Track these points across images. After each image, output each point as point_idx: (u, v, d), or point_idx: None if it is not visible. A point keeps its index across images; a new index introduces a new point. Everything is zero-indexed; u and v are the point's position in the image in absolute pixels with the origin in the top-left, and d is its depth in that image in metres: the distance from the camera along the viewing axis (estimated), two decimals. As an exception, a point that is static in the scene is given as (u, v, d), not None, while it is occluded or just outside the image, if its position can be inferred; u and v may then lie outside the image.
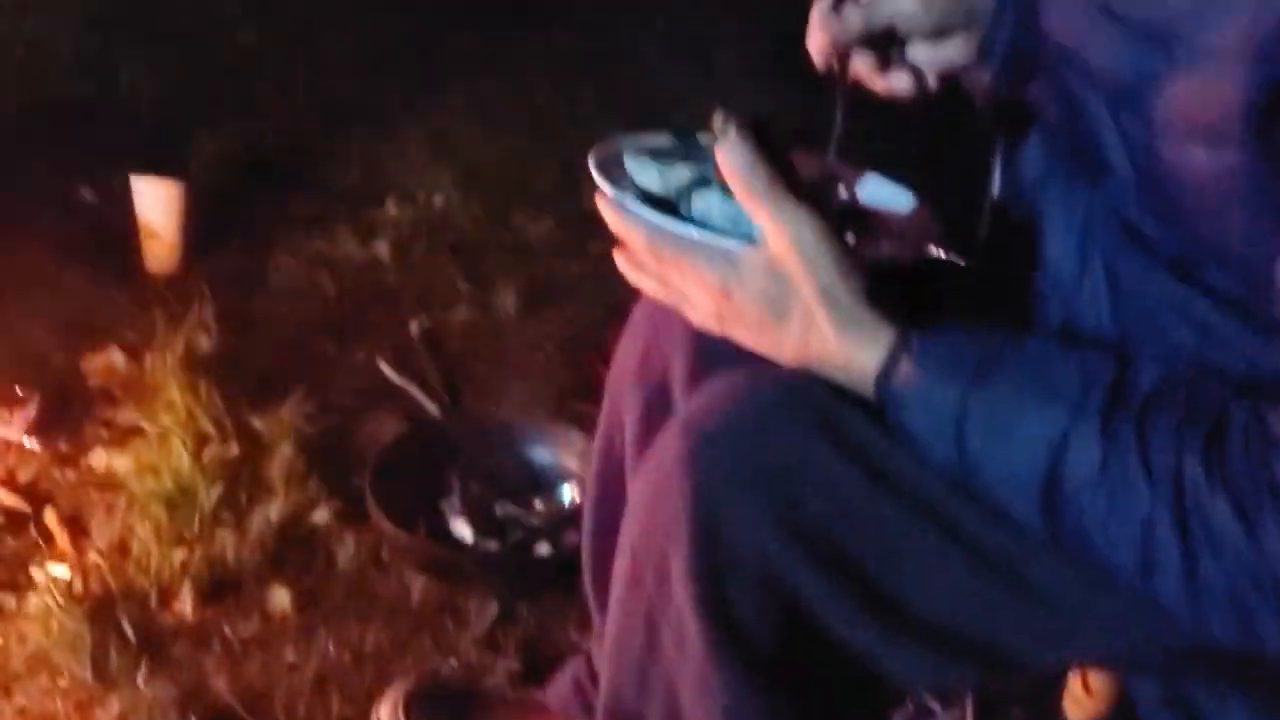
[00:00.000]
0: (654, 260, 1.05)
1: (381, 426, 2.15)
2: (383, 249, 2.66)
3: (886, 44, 1.20)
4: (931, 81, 1.21)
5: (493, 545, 1.86)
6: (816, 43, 1.18)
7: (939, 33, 1.19)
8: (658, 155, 1.14)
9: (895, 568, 0.94)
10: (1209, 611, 0.87)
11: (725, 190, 1.07)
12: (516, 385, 2.31)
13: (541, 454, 2.03)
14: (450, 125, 3.14)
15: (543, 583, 1.84)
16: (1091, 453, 0.88)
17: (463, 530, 1.87)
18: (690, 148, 1.16)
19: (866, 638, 0.98)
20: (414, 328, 2.36)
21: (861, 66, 1.19)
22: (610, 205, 1.06)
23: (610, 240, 1.11)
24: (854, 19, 1.16)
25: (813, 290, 0.97)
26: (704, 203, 1.09)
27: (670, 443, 1.00)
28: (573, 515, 1.91)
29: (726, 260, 1.01)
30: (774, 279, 0.98)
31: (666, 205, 1.11)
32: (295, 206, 2.76)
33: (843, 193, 1.22)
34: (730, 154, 0.99)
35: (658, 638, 1.02)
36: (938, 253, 1.15)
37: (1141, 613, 0.93)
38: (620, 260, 1.10)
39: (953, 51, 1.20)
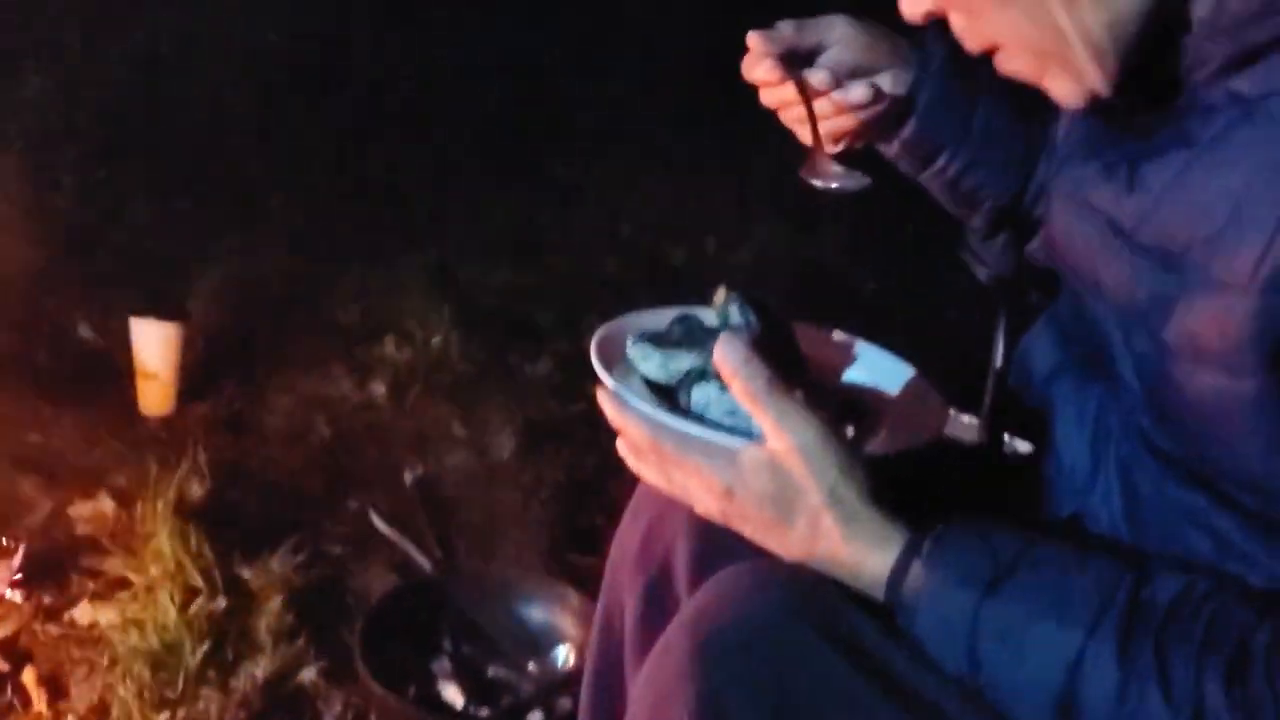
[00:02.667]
0: (655, 455, 1.02)
1: (373, 579, 2.11)
2: (379, 389, 2.64)
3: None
4: (887, 89, 1.20)
5: (483, 712, 1.81)
6: (758, 68, 1.19)
7: (868, 68, 1.20)
8: (659, 342, 1.12)
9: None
10: None
11: (724, 382, 1.05)
12: (512, 535, 2.28)
13: (536, 613, 1.99)
14: (449, 261, 3.15)
15: (534, 752, 1.78)
16: (1109, 675, 0.85)
17: (453, 695, 1.82)
18: (692, 330, 1.15)
19: None
20: (408, 477, 2.33)
21: (815, 81, 1.19)
22: (610, 398, 1.04)
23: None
24: (785, 30, 1.18)
25: (818, 492, 0.95)
26: (703, 394, 1.07)
27: (676, 641, 0.97)
28: (566, 680, 1.86)
29: (728, 459, 0.99)
30: (777, 479, 0.96)
31: (667, 393, 1.10)
32: (292, 344, 2.75)
33: (841, 368, 1.20)
34: (727, 354, 0.97)
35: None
36: (940, 433, 1.12)
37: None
38: (623, 449, 1.08)
39: (883, 82, 1.20)
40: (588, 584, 2.03)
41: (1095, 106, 1.01)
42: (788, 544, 0.98)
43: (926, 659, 0.94)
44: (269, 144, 3.56)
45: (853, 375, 1.19)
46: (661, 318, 1.19)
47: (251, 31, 3.99)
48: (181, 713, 1.77)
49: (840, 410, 1.08)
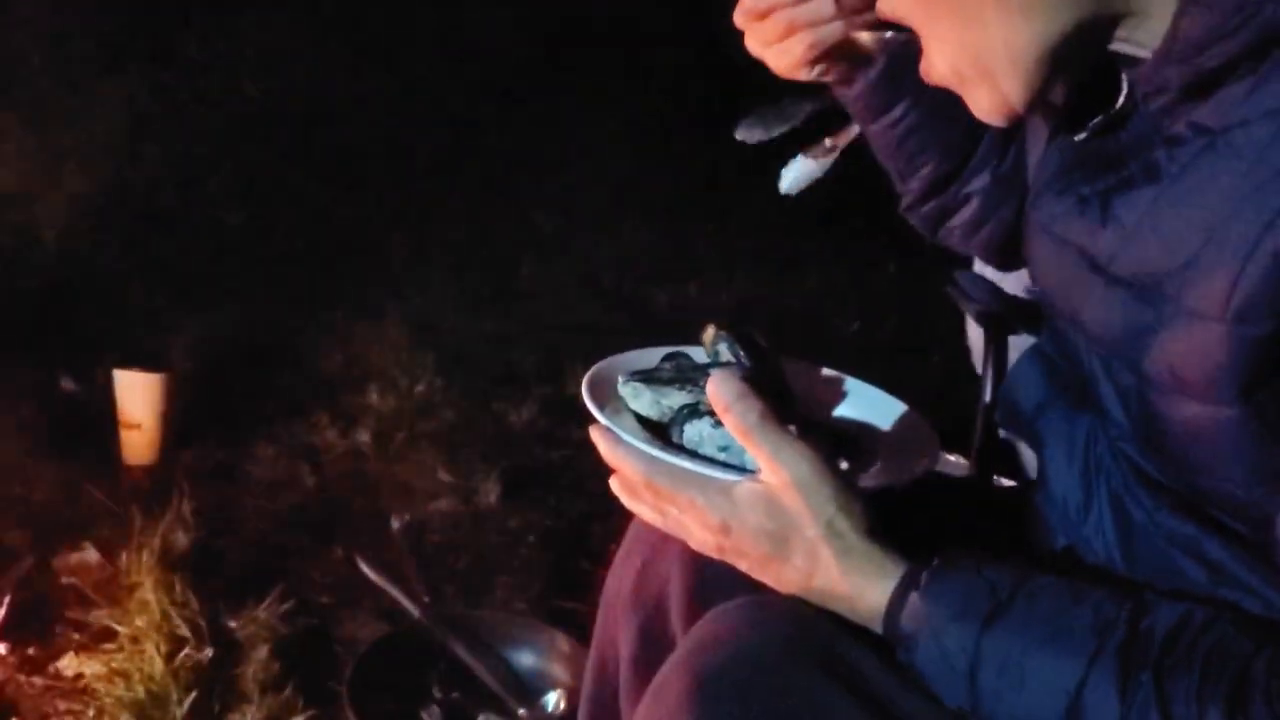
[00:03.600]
0: (650, 492, 1.03)
1: (360, 627, 2.10)
2: (364, 438, 2.63)
3: None
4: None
5: (475, 759, 1.80)
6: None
7: None
8: (650, 380, 1.13)
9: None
10: None
11: (716, 418, 1.06)
12: (499, 580, 2.28)
13: (526, 658, 1.98)
14: (432, 310, 3.16)
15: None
16: (1110, 706, 0.85)
17: (444, 742, 1.81)
18: (683, 368, 1.15)
19: None
20: (394, 524, 2.32)
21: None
22: (603, 435, 1.04)
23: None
24: None
25: (814, 526, 0.95)
26: (696, 430, 1.07)
27: (673, 678, 0.96)
28: (557, 726, 1.86)
29: (723, 494, 0.99)
30: (773, 513, 0.96)
31: (659, 430, 1.10)
32: (277, 393, 2.75)
33: (832, 405, 1.21)
34: (720, 389, 0.98)
35: None
36: (934, 466, 1.13)
37: None
38: (616, 486, 1.07)
39: None
40: (575, 629, 2.03)
41: (1062, 141, 1.03)
42: (784, 578, 0.98)
43: (926, 692, 0.94)
44: (248, 195, 3.57)
45: (844, 411, 1.20)
46: (651, 356, 1.20)
47: (230, 84, 4.02)
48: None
49: (833, 445, 1.09)
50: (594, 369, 1.17)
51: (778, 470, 0.95)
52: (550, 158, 4.02)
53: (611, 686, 1.26)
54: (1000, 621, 0.90)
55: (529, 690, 1.93)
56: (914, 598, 0.93)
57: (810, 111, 1.48)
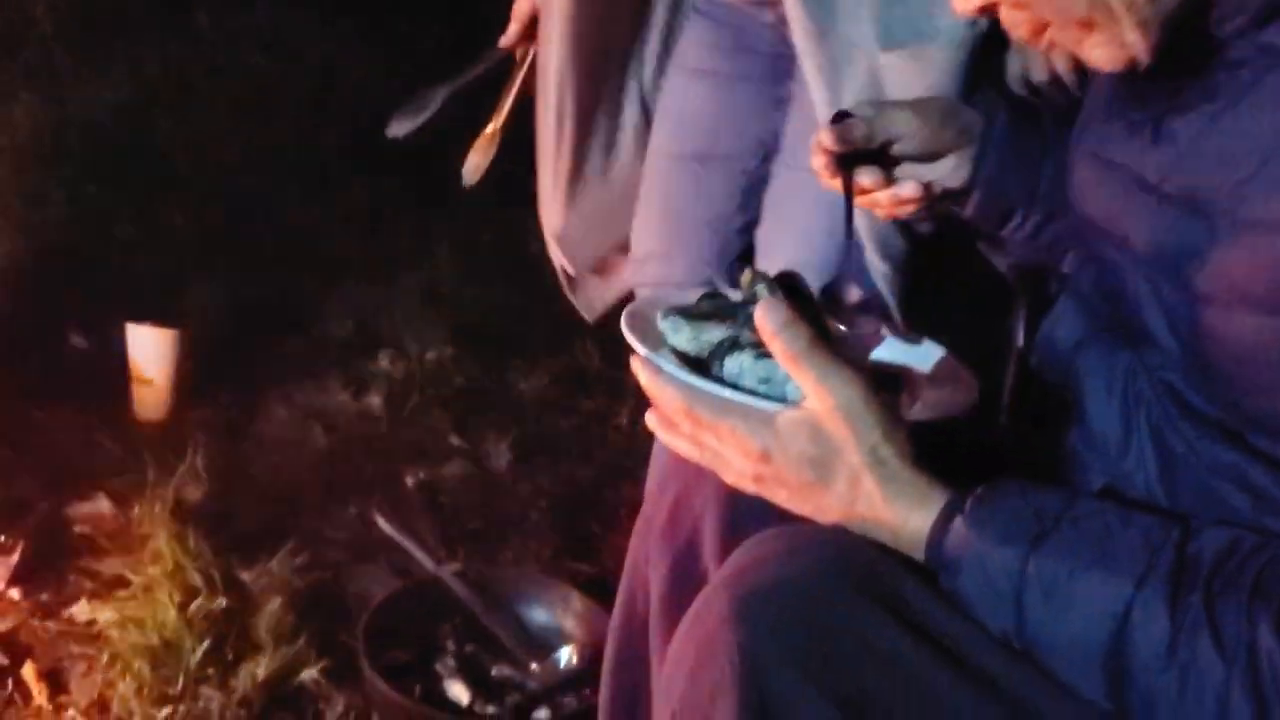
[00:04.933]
0: (689, 422, 1.03)
1: (372, 582, 2.10)
2: (375, 402, 2.64)
3: (883, 161, 1.24)
4: (936, 190, 1.24)
5: (489, 710, 1.80)
6: (820, 157, 1.21)
7: (932, 154, 1.23)
8: (689, 316, 1.13)
9: (952, 741, 0.91)
10: None
11: (756, 351, 1.06)
12: (511, 542, 2.28)
13: (538, 614, 1.98)
14: (443, 279, 3.15)
15: (541, 750, 1.78)
16: (1159, 627, 0.86)
17: (459, 693, 1.81)
18: (721, 307, 1.16)
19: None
20: (409, 481, 2.33)
21: (867, 179, 1.22)
22: (644, 365, 1.04)
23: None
24: (857, 129, 1.20)
25: (859, 453, 0.95)
26: (736, 363, 1.07)
27: (714, 601, 0.96)
28: (571, 680, 1.86)
29: (765, 423, 0.99)
30: (816, 441, 0.97)
31: (698, 365, 1.10)
32: (288, 356, 2.75)
33: (871, 348, 1.21)
34: (769, 315, 0.98)
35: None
36: (974, 405, 1.13)
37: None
38: (652, 420, 1.08)
39: (944, 170, 1.24)
40: (587, 589, 2.04)
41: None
42: (825, 507, 0.99)
43: (969, 617, 0.94)
44: (259, 162, 3.57)
45: (882, 354, 1.21)
46: (687, 297, 1.20)
47: (240, 56, 4.01)
48: (182, 710, 1.76)
49: (876, 381, 1.09)
50: (631, 305, 1.17)
51: (824, 395, 0.95)
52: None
53: (640, 623, 1.25)
54: (1047, 545, 0.90)
55: (542, 645, 1.94)
56: (959, 523, 0.93)
57: (445, 96, 1.58)
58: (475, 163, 1.76)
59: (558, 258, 1.98)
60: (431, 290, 3.07)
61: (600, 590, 2.05)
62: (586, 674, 1.86)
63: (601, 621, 1.91)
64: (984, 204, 1.25)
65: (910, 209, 1.27)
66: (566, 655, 1.91)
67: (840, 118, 1.23)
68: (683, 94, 1.79)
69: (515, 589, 2.01)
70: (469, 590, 1.97)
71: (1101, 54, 0.96)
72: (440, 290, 3.10)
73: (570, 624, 1.96)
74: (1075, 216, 1.12)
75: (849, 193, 1.23)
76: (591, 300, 2.03)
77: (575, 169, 1.87)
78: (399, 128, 1.48)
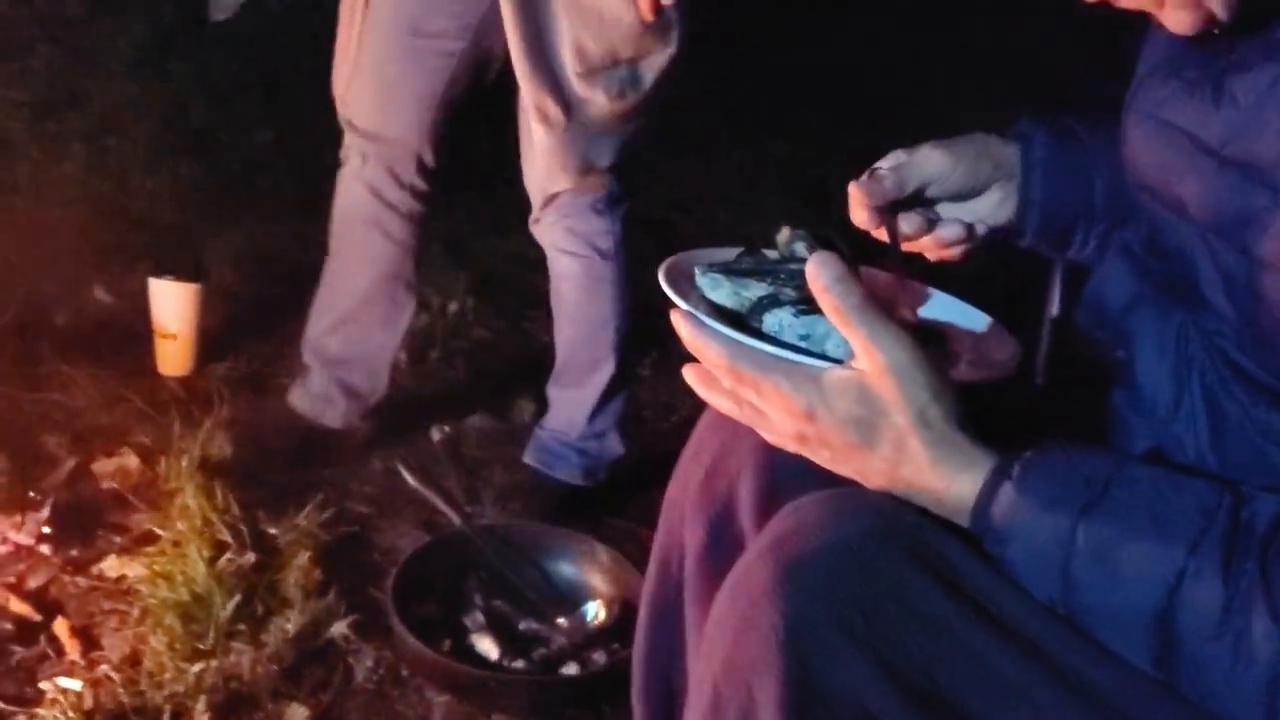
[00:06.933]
0: (732, 378, 1.01)
1: (399, 537, 2.11)
2: (399, 355, 2.62)
3: (922, 205, 1.23)
4: (980, 230, 1.23)
5: (518, 664, 1.80)
6: (858, 214, 1.19)
7: (971, 191, 1.22)
8: (729, 272, 1.11)
9: (997, 707, 0.90)
10: None
11: (796, 307, 1.04)
12: (534, 495, 2.27)
13: (565, 568, 1.99)
14: (463, 231, 3.14)
15: (569, 703, 1.78)
16: (1212, 594, 0.84)
17: (487, 647, 1.81)
18: (760, 264, 1.14)
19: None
20: (435, 434, 2.32)
21: (908, 226, 1.21)
22: (686, 320, 1.02)
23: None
24: (888, 183, 1.18)
25: (906, 414, 0.94)
26: (776, 319, 1.06)
27: (756, 568, 0.95)
28: (598, 635, 1.86)
29: (810, 380, 0.97)
30: (863, 401, 0.95)
31: (738, 321, 1.09)
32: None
33: (916, 311, 1.20)
34: (821, 270, 0.96)
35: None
36: (1017, 368, 1.12)
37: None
38: (691, 376, 1.06)
39: (988, 206, 1.23)
40: (611, 541, 2.04)
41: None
42: (868, 468, 0.97)
43: (1015, 583, 0.92)
44: (277, 114, 3.55)
45: (925, 315, 1.19)
46: (724, 254, 1.19)
47: (255, 3, 3.98)
48: (214, 665, 1.76)
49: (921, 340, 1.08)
50: (669, 261, 1.15)
51: (874, 355, 0.93)
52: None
53: (675, 584, 1.24)
54: (1096, 511, 0.88)
55: (568, 599, 1.95)
56: (1006, 488, 0.91)
57: None
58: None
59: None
60: (452, 242, 3.05)
61: (623, 543, 2.06)
62: (613, 628, 1.87)
63: (627, 575, 1.92)
64: (1041, 230, 1.23)
65: (958, 251, 1.24)
66: (593, 609, 1.91)
67: (872, 173, 1.22)
68: None
69: (541, 542, 2.01)
70: (495, 544, 1.97)
71: (1182, 16, 0.94)
72: (460, 242, 3.08)
73: (596, 578, 1.97)
74: (1127, 173, 1.09)
75: (895, 241, 1.21)
76: None
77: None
78: (219, 11, 1.53)
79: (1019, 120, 1.25)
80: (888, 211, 1.19)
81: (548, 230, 2.15)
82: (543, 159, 2.04)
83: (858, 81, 4.26)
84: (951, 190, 1.21)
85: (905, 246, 1.23)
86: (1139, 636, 0.87)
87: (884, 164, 1.20)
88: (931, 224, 1.22)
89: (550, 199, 2.10)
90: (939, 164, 1.20)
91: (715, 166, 3.84)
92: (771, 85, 4.18)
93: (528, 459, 2.25)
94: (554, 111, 1.97)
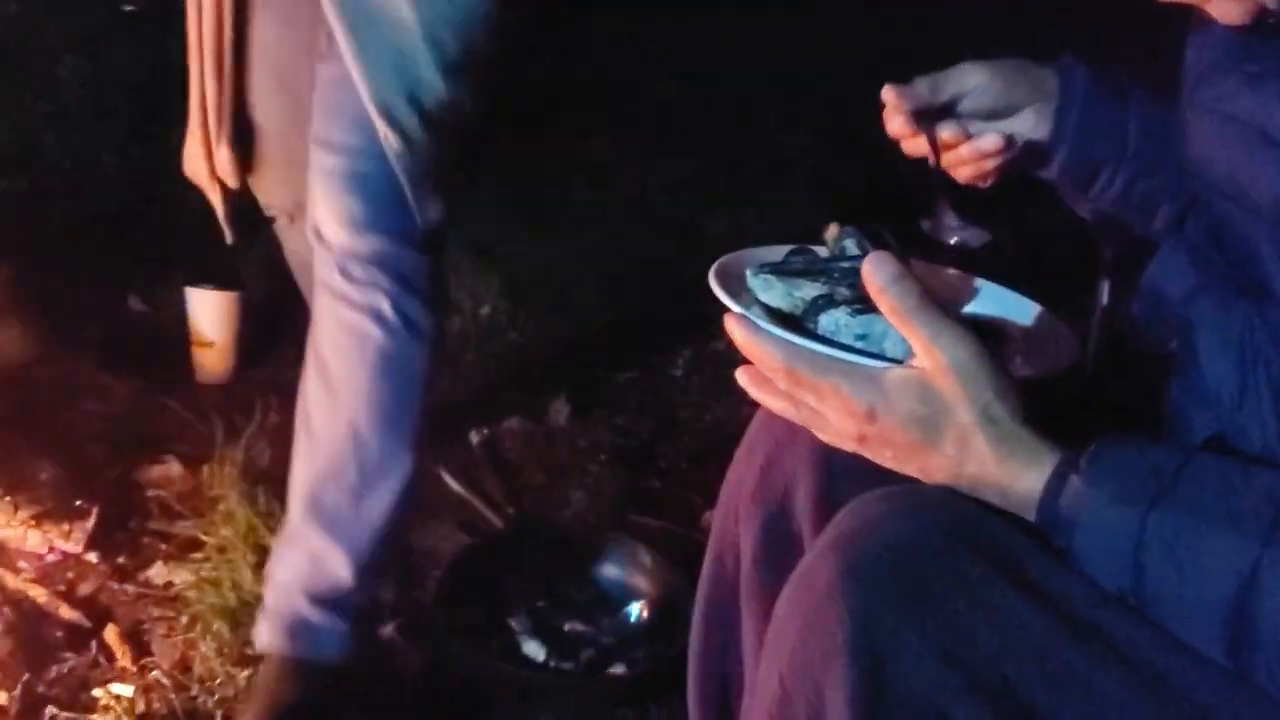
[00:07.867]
0: (789, 380, 1.02)
1: (441, 539, 2.12)
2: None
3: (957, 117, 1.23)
4: (1018, 142, 1.23)
5: (566, 665, 1.81)
6: (894, 120, 1.20)
7: (1006, 109, 1.22)
8: (780, 272, 1.12)
9: (1066, 700, 0.90)
10: None
11: (851, 307, 1.05)
12: (574, 496, 2.29)
13: (608, 569, 2.00)
14: (493, 235, 3.15)
15: (618, 704, 1.79)
16: None
17: (534, 649, 1.83)
18: (812, 264, 1.15)
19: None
20: (474, 437, 2.34)
21: (947, 133, 1.22)
22: (740, 323, 1.03)
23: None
24: (921, 88, 1.20)
25: (970, 412, 0.94)
26: (831, 320, 1.06)
27: (820, 566, 0.95)
28: (643, 634, 1.87)
29: (869, 380, 0.98)
30: (925, 399, 0.95)
31: (792, 323, 1.09)
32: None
33: (965, 301, 1.20)
34: (877, 270, 0.96)
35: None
36: (1075, 361, 1.12)
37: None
38: (744, 379, 1.06)
39: (1022, 126, 1.23)
40: (651, 542, 2.05)
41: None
42: (932, 466, 0.97)
43: (1083, 576, 0.92)
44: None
45: (976, 309, 1.19)
46: (774, 253, 1.19)
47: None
48: (263, 670, 1.77)
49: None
50: (719, 262, 1.15)
51: (935, 354, 0.94)
52: (600, 86, 3.98)
53: (730, 584, 1.25)
54: (1166, 502, 0.88)
55: (611, 601, 1.96)
56: (1074, 481, 0.91)
57: None
58: None
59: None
60: (482, 246, 3.07)
61: (664, 544, 2.07)
62: (658, 628, 1.88)
63: (669, 576, 1.93)
64: (1070, 161, 1.23)
65: (992, 166, 1.25)
66: (637, 610, 1.93)
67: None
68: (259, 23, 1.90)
69: (584, 544, 2.02)
70: (538, 548, 1.98)
71: (1230, 7, 0.94)
72: (490, 246, 3.09)
73: (639, 579, 1.97)
74: (1190, 170, 1.09)
75: (935, 149, 1.21)
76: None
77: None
78: None
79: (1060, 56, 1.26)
80: (924, 122, 1.20)
81: None
82: None
83: (870, 74, 4.25)
84: (986, 106, 1.22)
85: (942, 162, 1.23)
86: (1213, 628, 0.87)
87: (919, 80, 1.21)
88: (968, 135, 1.22)
89: None
90: (976, 77, 1.21)
91: (740, 161, 3.84)
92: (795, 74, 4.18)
93: None
94: None
